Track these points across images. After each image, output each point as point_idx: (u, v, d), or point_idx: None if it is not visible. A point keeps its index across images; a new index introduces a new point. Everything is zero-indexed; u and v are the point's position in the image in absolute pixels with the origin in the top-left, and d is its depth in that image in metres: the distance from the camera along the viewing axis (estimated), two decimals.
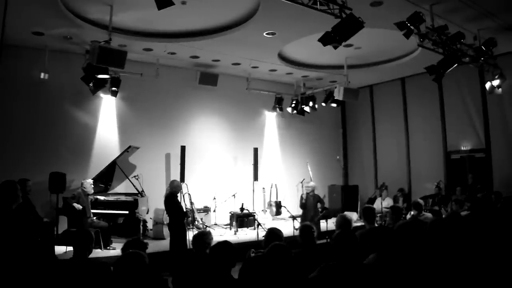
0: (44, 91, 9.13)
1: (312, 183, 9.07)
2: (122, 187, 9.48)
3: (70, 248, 6.73)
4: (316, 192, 8.88)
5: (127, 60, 7.52)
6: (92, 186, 8.10)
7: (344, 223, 4.86)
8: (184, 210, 7.65)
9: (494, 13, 7.53)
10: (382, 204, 10.44)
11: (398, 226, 3.81)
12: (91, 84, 8.54)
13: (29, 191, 7.11)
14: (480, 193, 9.25)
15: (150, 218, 9.32)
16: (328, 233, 7.73)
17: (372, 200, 11.30)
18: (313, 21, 7.31)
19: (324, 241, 6.40)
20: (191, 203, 9.80)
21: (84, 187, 7.97)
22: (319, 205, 8.89)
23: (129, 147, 9.08)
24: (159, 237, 9.06)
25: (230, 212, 10.46)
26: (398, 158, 12.72)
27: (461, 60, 7.76)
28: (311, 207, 8.70)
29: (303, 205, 8.74)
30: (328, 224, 8.74)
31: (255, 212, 10.64)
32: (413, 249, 3.69)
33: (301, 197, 8.82)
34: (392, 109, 13.04)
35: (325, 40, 6.38)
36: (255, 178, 11.82)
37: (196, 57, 10.22)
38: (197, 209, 10.24)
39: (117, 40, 8.38)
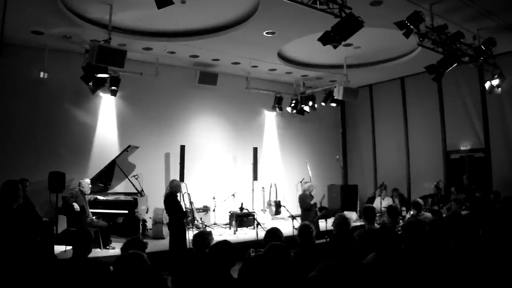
0: (44, 91, 9.12)
1: (308, 183, 9.13)
2: (121, 187, 9.47)
3: (70, 248, 6.73)
4: (314, 191, 8.91)
5: (126, 59, 7.52)
6: (90, 186, 8.09)
7: (342, 222, 4.89)
8: (184, 209, 7.65)
9: (493, 13, 7.52)
10: (382, 203, 10.44)
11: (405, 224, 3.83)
12: (90, 83, 8.54)
13: (26, 191, 7.10)
14: (478, 193, 9.28)
15: (150, 218, 9.31)
16: (327, 232, 7.74)
17: (371, 200, 11.30)
18: (312, 20, 7.31)
19: (323, 240, 6.40)
20: (191, 203, 9.80)
21: (82, 187, 7.97)
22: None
23: (129, 146, 9.07)
24: (158, 236, 9.06)
25: (229, 212, 10.45)
26: (398, 157, 12.72)
27: (460, 59, 7.76)
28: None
29: (310, 206, 8.73)
30: (327, 224, 8.74)
31: (254, 212, 10.63)
32: (412, 248, 3.69)
33: (305, 198, 8.78)
34: (391, 108, 13.04)
35: (325, 39, 6.37)
36: (255, 177, 11.82)
37: (196, 56, 10.21)
38: (197, 209, 10.25)
39: (117, 40, 8.37)
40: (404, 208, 10.90)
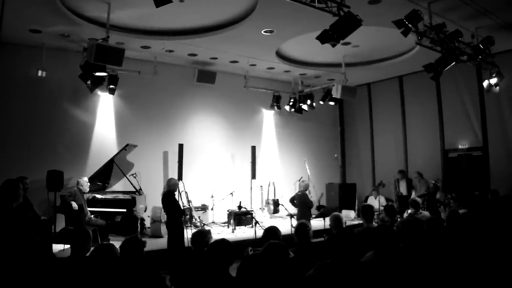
0: (42, 89, 9.10)
1: (306, 182, 9.18)
2: (120, 185, 9.46)
3: (68, 246, 6.73)
4: (309, 190, 8.96)
5: (124, 57, 7.51)
6: (88, 184, 8.09)
7: (334, 221, 5.03)
8: (182, 208, 7.65)
9: (491, 11, 7.54)
10: (380, 202, 10.47)
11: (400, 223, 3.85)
12: (88, 82, 8.54)
13: (27, 189, 7.09)
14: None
15: (148, 216, 9.31)
16: (324, 231, 7.76)
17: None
18: (311, 19, 7.30)
19: (319, 239, 6.42)
20: (189, 201, 9.79)
21: (81, 185, 7.96)
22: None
23: (127, 145, 9.06)
24: (157, 235, 9.06)
25: (228, 210, 10.44)
26: (396, 156, 12.74)
27: (458, 58, 7.77)
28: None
29: (312, 204, 8.86)
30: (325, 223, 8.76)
31: (252, 210, 10.62)
32: (410, 246, 3.70)
33: (306, 196, 8.82)
34: (390, 107, 13.05)
35: (323, 38, 6.38)
36: (253, 176, 11.83)
37: (194, 55, 10.20)
38: (195, 207, 10.24)
39: (115, 38, 8.35)
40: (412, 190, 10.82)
